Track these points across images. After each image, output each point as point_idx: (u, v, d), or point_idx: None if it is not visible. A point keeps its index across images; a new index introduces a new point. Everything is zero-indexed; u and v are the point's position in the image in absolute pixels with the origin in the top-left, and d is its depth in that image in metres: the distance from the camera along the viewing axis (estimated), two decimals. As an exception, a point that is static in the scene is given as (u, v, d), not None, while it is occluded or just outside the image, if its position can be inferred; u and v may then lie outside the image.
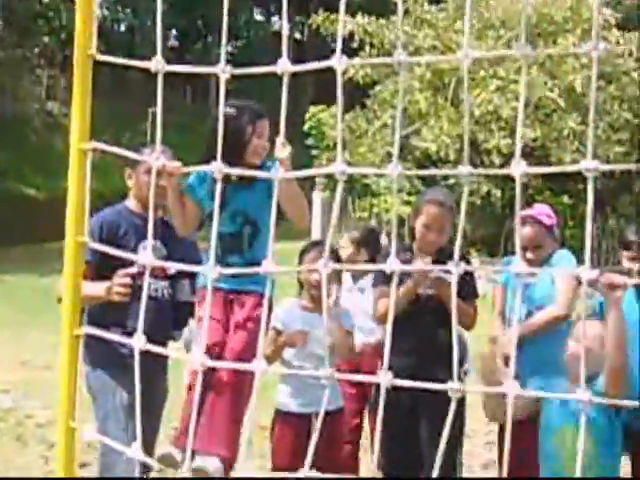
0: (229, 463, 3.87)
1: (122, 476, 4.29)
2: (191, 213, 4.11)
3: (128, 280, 4.16)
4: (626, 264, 4.76)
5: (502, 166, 19.34)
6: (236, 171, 2.43)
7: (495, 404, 4.14)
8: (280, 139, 3.28)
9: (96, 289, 4.17)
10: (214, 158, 2.24)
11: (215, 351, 3.87)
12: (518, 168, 1.75)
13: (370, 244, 5.70)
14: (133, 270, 4.09)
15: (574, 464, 3.68)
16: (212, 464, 3.82)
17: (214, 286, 3.81)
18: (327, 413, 4.17)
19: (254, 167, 3.98)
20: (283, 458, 4.65)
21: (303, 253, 4.85)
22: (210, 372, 3.71)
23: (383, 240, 5.87)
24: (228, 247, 4.08)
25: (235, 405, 3.89)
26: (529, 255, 4.81)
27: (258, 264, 3.97)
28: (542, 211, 5.02)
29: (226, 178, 4.02)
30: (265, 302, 2.57)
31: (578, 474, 2.09)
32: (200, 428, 3.84)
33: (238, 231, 4.08)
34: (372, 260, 5.45)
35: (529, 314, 4.80)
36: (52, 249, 19.73)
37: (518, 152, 1.75)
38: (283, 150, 3.68)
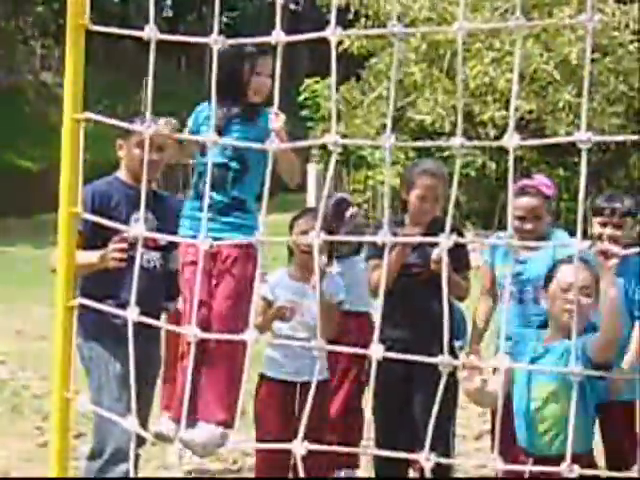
0: (228, 426, 3.88)
1: (116, 446, 4.31)
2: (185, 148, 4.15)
3: (124, 245, 4.16)
4: (597, 230, 4.68)
5: (497, 138, 19.29)
6: (229, 141, 2.42)
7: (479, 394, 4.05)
8: (274, 109, 3.29)
9: (90, 257, 4.17)
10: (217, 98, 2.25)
11: (201, 313, 3.87)
12: (512, 140, 1.75)
13: (334, 215, 5.60)
14: (127, 235, 4.08)
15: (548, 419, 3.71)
16: (199, 435, 3.84)
17: (195, 235, 3.84)
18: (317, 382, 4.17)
19: (256, 105, 4.03)
20: (269, 425, 4.66)
21: (294, 219, 4.84)
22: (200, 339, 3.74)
23: (353, 211, 5.77)
24: (212, 181, 4.02)
25: (229, 370, 3.89)
26: (528, 226, 4.67)
27: (242, 203, 4.01)
28: (542, 181, 4.92)
29: (228, 111, 4.06)
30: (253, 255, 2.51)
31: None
32: (198, 396, 3.86)
33: (224, 163, 4.03)
34: (331, 232, 5.32)
35: (522, 293, 4.68)
36: (46, 220, 19.70)
37: (512, 125, 1.75)
38: (277, 120, 3.67)
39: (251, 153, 3.96)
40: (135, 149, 4.46)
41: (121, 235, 4.15)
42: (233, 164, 4.04)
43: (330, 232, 5.21)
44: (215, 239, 3.89)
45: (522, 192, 4.75)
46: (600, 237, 4.57)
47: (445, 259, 1.87)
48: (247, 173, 4.04)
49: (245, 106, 4.09)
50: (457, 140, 1.77)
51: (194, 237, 3.79)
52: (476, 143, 2.21)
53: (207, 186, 2.68)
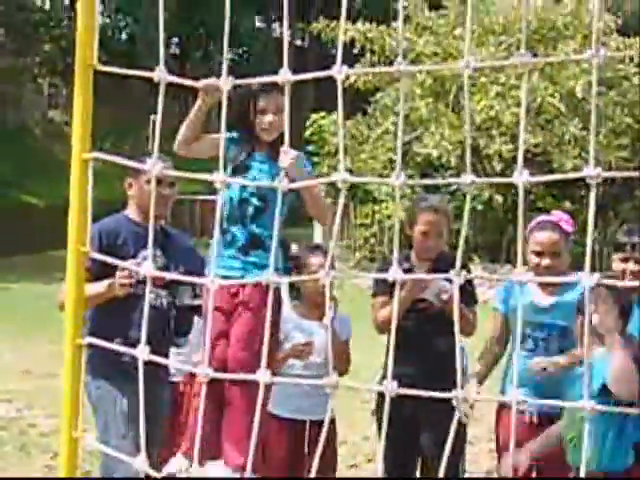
0: (245, 468, 3.87)
1: None
2: (203, 140, 4.09)
3: (129, 274, 4.17)
4: (618, 266, 4.49)
5: (503, 172, 19.34)
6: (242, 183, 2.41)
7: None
8: (284, 148, 3.30)
9: (98, 287, 4.18)
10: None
11: (218, 353, 3.89)
12: (521, 177, 1.75)
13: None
14: (133, 266, 4.09)
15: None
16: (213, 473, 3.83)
17: (223, 273, 3.86)
18: (322, 422, 4.16)
19: (268, 143, 4.06)
20: (276, 464, 4.63)
21: (299, 257, 4.84)
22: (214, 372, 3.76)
23: (293, 249, 5.73)
24: (232, 214, 4.06)
25: (247, 412, 3.86)
26: (545, 262, 4.44)
27: (262, 242, 4.02)
28: (561, 217, 4.68)
29: (251, 147, 4.09)
30: (270, 294, 2.52)
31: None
32: (213, 436, 3.84)
33: (245, 199, 4.06)
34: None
35: (546, 340, 4.48)
36: (54, 257, 19.74)
37: (520, 161, 1.75)
38: (286, 158, 3.67)
39: (272, 190, 3.97)
40: (146, 185, 4.48)
41: (126, 264, 4.16)
42: (253, 200, 4.05)
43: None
44: (234, 274, 3.98)
45: (540, 227, 4.55)
46: (623, 273, 4.46)
47: (456, 296, 1.87)
48: (267, 210, 4.04)
49: (262, 144, 4.12)
50: (468, 177, 1.77)
51: (224, 277, 3.83)
52: (486, 180, 2.20)
53: (216, 221, 2.66)
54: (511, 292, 4.65)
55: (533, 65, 2.02)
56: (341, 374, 5.17)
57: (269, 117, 4.06)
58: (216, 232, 2.42)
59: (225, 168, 3.85)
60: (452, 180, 2.00)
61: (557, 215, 4.76)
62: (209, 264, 4.07)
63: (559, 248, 4.53)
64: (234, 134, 4.10)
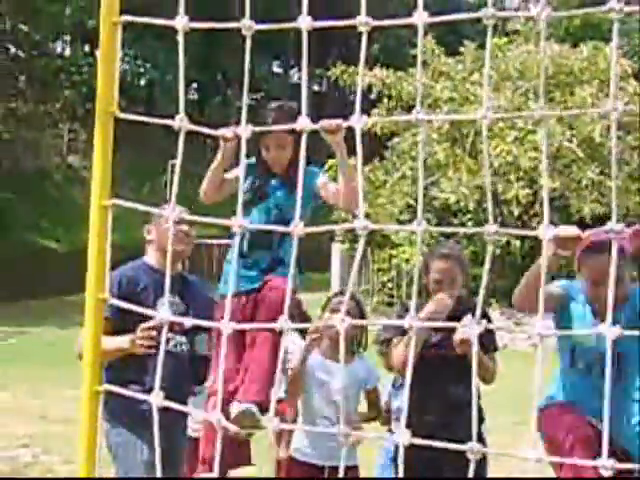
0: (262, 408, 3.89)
1: None
2: (226, 184, 4.16)
3: (153, 332, 4.15)
4: None
5: (521, 216, 19.34)
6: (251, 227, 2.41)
7: None
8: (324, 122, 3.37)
9: (117, 342, 4.17)
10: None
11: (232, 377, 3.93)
12: (547, 232, 1.75)
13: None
14: (156, 322, 4.09)
15: None
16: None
17: (235, 292, 3.92)
18: (345, 468, 4.14)
19: (283, 176, 4.15)
20: None
21: (331, 298, 4.91)
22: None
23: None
24: (257, 241, 4.12)
25: (270, 355, 3.89)
26: (600, 290, 3.93)
27: (282, 261, 4.05)
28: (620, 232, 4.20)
29: (269, 174, 4.14)
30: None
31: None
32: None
33: (272, 221, 4.10)
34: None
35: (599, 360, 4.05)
36: (71, 302, 19.78)
37: (546, 215, 1.74)
38: (330, 132, 3.72)
39: (294, 215, 3.99)
40: (166, 224, 4.50)
41: (148, 323, 4.15)
42: (279, 226, 4.09)
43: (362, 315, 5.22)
44: (259, 289, 4.02)
45: (599, 249, 3.95)
46: None
47: (475, 343, 1.85)
48: (291, 234, 4.07)
49: (278, 176, 4.19)
50: (491, 227, 1.77)
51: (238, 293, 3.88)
52: (509, 231, 2.21)
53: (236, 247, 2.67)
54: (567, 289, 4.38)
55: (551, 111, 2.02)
56: (373, 419, 5.15)
57: (272, 153, 4.16)
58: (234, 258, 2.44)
59: (246, 203, 3.95)
60: (475, 229, 1.99)
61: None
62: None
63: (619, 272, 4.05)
64: (252, 159, 4.19)
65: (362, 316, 4.93)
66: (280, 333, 2.15)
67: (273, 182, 4.20)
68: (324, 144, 3.80)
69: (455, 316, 4.46)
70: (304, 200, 2.43)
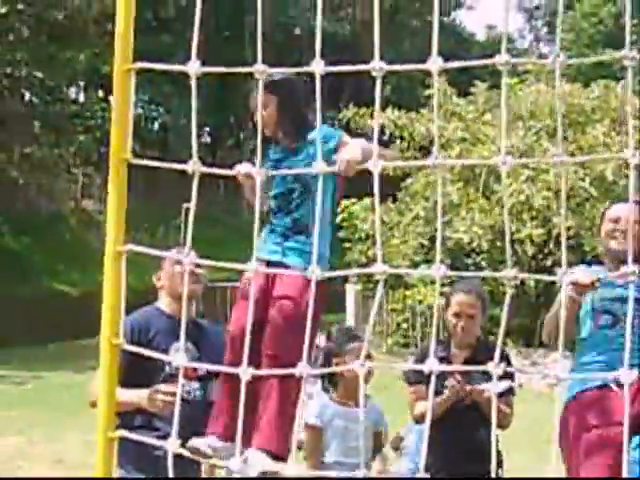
0: (281, 458, 3.78)
1: None
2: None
3: (173, 389, 4.11)
4: None
5: (535, 255, 19.28)
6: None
7: None
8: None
9: (133, 397, 4.14)
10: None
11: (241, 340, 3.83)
12: (564, 277, 1.75)
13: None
14: (175, 389, 4.08)
15: None
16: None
17: (259, 257, 3.89)
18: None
19: (271, 138, 4.18)
20: None
21: (343, 343, 4.85)
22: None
23: (322, 340, 5.67)
24: (277, 207, 4.12)
25: (283, 401, 3.80)
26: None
27: (305, 227, 4.03)
28: None
29: (270, 144, 4.16)
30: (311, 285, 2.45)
31: None
32: (251, 423, 3.76)
33: (289, 188, 4.10)
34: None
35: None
36: (86, 345, 19.77)
37: (564, 263, 1.73)
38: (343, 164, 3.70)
39: (312, 176, 4.00)
40: (175, 266, 4.50)
41: (169, 387, 4.12)
42: (298, 187, 4.10)
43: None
44: (276, 264, 3.97)
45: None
46: None
47: (494, 390, 1.84)
48: (310, 195, 4.06)
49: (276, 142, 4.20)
50: (510, 272, 1.77)
51: (260, 259, 3.83)
52: (527, 276, 2.20)
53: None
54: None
55: (565, 153, 2.02)
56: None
57: (257, 116, 4.19)
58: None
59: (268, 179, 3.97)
60: (494, 274, 2.00)
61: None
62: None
63: None
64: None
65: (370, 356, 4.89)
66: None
67: (276, 153, 4.21)
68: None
69: (472, 358, 4.44)
70: (311, 158, 2.42)
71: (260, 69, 2.16)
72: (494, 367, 1.80)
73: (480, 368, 1.97)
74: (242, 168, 3.65)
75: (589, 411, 4.19)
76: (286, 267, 4.02)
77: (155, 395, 4.13)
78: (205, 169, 2.20)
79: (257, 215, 2.32)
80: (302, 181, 4.08)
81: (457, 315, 4.63)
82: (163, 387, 4.14)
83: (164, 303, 4.65)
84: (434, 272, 1.85)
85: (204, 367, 4.00)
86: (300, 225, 4.09)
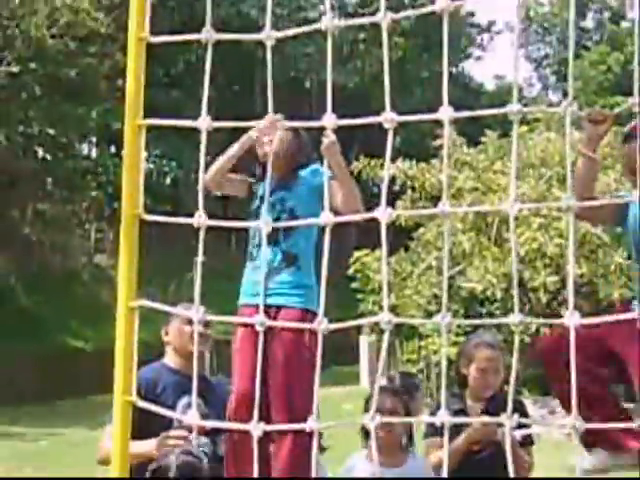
0: None
1: None
2: (231, 180, 4.26)
3: (185, 433, 4.10)
4: None
5: (549, 303, 19.18)
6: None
7: None
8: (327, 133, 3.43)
9: (142, 447, 4.12)
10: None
11: (246, 404, 3.78)
12: (572, 319, 1.73)
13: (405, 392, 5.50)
14: (181, 433, 4.06)
15: None
16: None
17: (250, 303, 3.86)
18: None
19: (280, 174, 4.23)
20: None
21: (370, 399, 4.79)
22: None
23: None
24: (261, 239, 4.05)
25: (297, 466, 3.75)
26: None
27: (294, 259, 4.02)
28: None
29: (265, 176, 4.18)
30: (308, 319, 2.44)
31: None
32: None
33: (275, 218, 4.11)
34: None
35: None
36: (100, 401, 19.68)
37: (571, 305, 1.72)
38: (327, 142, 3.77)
39: (299, 206, 4.04)
40: (184, 326, 4.50)
41: (179, 432, 4.11)
42: (283, 216, 4.10)
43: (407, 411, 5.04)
44: (271, 301, 3.94)
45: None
46: None
47: (509, 440, 1.82)
48: (296, 227, 4.07)
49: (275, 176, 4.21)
50: (516, 317, 1.76)
51: (253, 305, 3.79)
52: (536, 321, 2.20)
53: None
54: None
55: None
56: None
57: (259, 150, 4.27)
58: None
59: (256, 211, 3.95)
60: (500, 320, 1.98)
61: None
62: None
63: None
64: (255, 173, 4.28)
65: (407, 410, 4.80)
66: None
67: (274, 186, 4.23)
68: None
69: (488, 410, 4.40)
70: (312, 199, 2.47)
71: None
72: (507, 418, 1.77)
73: (493, 420, 1.94)
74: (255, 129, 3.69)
75: None
76: (277, 308, 4.01)
77: (165, 441, 4.11)
78: (211, 222, 2.20)
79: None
80: (289, 209, 4.12)
81: (483, 370, 4.59)
82: (172, 432, 4.13)
83: (171, 359, 4.65)
84: (439, 320, 1.84)
85: (215, 425, 3.96)
86: (289, 258, 4.10)
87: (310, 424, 2.02)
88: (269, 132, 3.91)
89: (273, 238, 4.14)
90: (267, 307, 4.01)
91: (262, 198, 4.22)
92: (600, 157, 16.54)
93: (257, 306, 3.92)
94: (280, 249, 4.13)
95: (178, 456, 3.22)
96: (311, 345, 3.24)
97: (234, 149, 4.25)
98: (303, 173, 4.20)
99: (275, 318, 4.02)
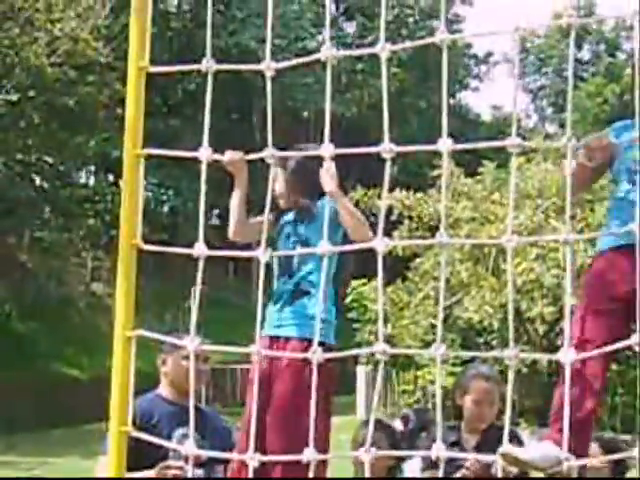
0: None
1: None
2: (253, 224, 4.25)
3: (176, 472, 4.09)
4: None
5: (546, 334, 19.17)
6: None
7: None
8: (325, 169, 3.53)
9: (142, 476, 4.10)
10: None
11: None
12: (568, 356, 1.73)
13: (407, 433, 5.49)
14: (178, 464, 4.04)
15: None
16: None
17: (263, 334, 3.87)
18: None
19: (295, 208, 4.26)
20: None
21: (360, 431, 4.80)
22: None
23: (398, 425, 5.56)
24: (279, 271, 4.15)
25: None
26: None
27: (306, 288, 4.01)
28: None
29: (280, 211, 4.15)
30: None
31: None
32: None
33: (291, 249, 4.15)
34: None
35: None
36: (94, 430, 19.56)
37: (567, 339, 1.72)
38: (329, 179, 3.81)
39: (314, 236, 4.03)
40: (184, 361, 4.47)
41: (171, 460, 4.10)
42: (297, 247, 4.12)
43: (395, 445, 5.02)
44: (280, 333, 3.95)
45: None
46: None
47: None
48: (311, 257, 4.07)
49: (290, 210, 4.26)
50: (511, 351, 1.75)
51: (263, 336, 3.81)
52: (530, 356, 2.18)
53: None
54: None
55: (574, 231, 2.01)
56: None
57: (275, 192, 4.24)
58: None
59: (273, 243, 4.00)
60: (495, 354, 1.98)
61: None
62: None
63: None
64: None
65: (394, 444, 4.78)
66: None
67: (286, 216, 4.28)
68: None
69: (484, 442, 4.38)
70: (328, 228, 2.47)
71: (270, 153, 2.17)
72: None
73: (489, 458, 1.92)
74: (226, 156, 3.67)
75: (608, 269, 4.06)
76: (285, 339, 4.02)
77: (164, 472, 4.10)
78: (211, 252, 2.20)
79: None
80: (302, 241, 4.14)
81: (478, 402, 4.58)
82: (172, 462, 4.11)
83: (166, 390, 4.63)
84: (434, 351, 1.84)
85: (211, 454, 3.94)
86: (302, 288, 4.10)
87: (307, 455, 2.01)
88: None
89: (288, 270, 4.17)
90: (276, 338, 4.04)
91: (280, 230, 4.26)
92: (599, 187, 16.36)
93: (268, 337, 3.98)
94: (293, 281, 4.15)
95: None
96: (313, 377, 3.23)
97: (234, 198, 4.25)
98: (320, 202, 4.19)
99: (284, 349, 4.03)
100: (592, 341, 3.74)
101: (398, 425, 5.69)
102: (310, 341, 3.80)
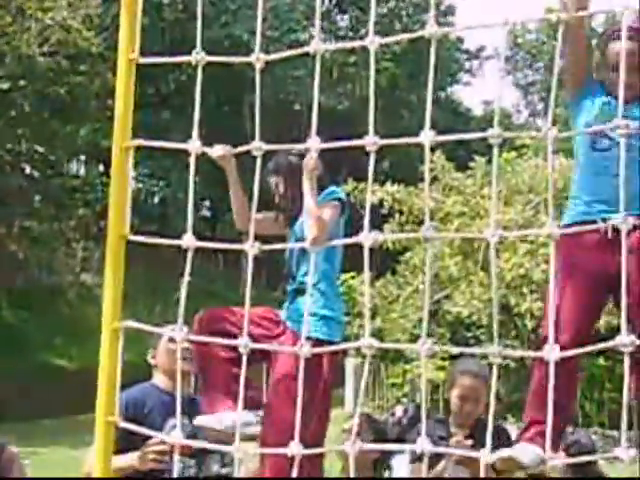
0: None
1: None
2: (261, 220, 4.36)
3: (164, 447, 4.11)
4: None
5: (535, 329, 19.20)
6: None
7: None
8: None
9: (125, 459, 4.13)
10: None
11: None
12: (552, 354, 1.74)
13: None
14: (163, 447, 4.06)
15: None
16: None
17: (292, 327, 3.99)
18: None
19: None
20: None
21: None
22: None
23: (398, 412, 5.59)
24: (287, 273, 4.28)
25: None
26: None
27: (302, 287, 4.07)
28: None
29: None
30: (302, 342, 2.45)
31: None
32: None
33: (290, 250, 4.25)
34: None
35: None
36: (83, 421, 19.56)
37: (551, 339, 1.73)
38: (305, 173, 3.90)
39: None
40: (169, 344, 4.51)
41: (157, 439, 4.11)
42: (296, 250, 4.17)
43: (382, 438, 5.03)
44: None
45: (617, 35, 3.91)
46: None
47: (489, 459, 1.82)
48: (306, 255, 4.13)
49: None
50: (495, 348, 1.76)
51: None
52: (515, 353, 2.21)
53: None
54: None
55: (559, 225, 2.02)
56: None
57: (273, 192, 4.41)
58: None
59: None
60: (480, 350, 1.99)
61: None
62: None
63: None
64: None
65: (380, 437, 4.79)
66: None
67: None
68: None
69: (471, 437, 4.40)
70: None
71: (257, 146, 2.17)
72: (487, 452, 1.77)
73: (474, 454, 1.92)
74: (214, 151, 3.69)
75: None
76: (284, 330, 4.10)
77: (146, 452, 4.14)
78: (199, 243, 2.20)
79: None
80: (299, 239, 4.19)
81: (462, 398, 4.59)
82: (152, 442, 4.15)
83: (159, 380, 4.66)
84: (419, 347, 1.84)
85: (200, 445, 3.96)
86: (302, 286, 4.15)
87: (292, 448, 2.02)
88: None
89: (290, 271, 4.30)
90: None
91: (291, 234, 4.35)
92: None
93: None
94: (295, 281, 4.22)
95: None
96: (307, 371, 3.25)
97: (230, 191, 4.35)
98: (319, 198, 4.22)
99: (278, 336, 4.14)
100: (569, 321, 3.75)
101: (398, 412, 5.72)
102: (310, 339, 3.83)
